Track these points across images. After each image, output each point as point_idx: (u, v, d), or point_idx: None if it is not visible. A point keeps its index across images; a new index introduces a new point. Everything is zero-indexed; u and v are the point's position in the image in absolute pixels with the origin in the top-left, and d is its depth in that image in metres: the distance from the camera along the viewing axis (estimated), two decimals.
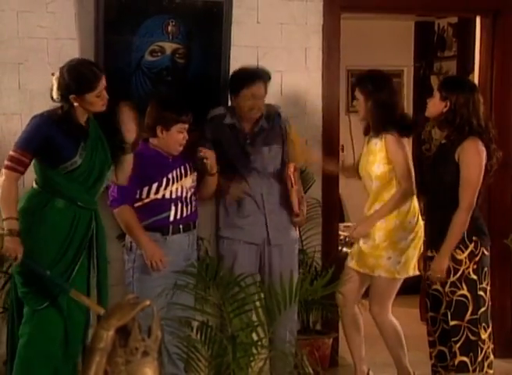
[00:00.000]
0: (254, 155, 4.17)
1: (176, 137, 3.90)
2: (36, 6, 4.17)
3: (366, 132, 4.32)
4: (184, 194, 3.96)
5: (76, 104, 3.57)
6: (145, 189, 3.90)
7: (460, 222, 3.78)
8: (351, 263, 4.27)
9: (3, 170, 3.56)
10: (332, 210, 4.79)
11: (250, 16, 4.53)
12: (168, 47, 4.33)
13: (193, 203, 4.03)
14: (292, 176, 4.14)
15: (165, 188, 3.91)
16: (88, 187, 3.64)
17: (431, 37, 7.50)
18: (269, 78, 4.18)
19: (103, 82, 3.59)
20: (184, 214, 3.96)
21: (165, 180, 3.91)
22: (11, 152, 3.57)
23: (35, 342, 3.59)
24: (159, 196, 3.90)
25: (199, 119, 4.27)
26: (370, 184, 4.23)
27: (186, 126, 3.92)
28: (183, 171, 3.99)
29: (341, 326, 4.52)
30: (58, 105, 3.61)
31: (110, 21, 4.16)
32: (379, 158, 4.18)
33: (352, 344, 4.38)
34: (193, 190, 4.03)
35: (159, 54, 4.32)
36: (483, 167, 3.79)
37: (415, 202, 4.25)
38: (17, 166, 3.54)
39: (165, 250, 3.90)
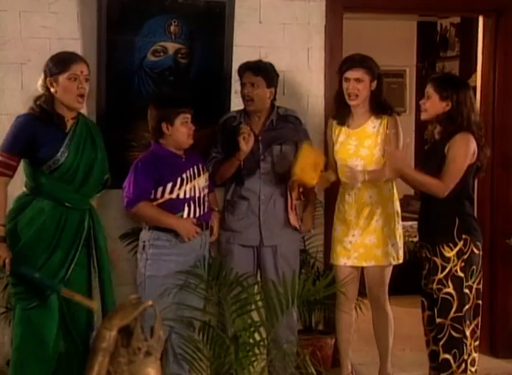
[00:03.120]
0: (264, 153, 4.17)
1: (181, 130, 3.92)
2: (38, 6, 4.18)
3: (340, 118, 4.27)
4: (197, 195, 3.97)
5: (52, 90, 3.53)
6: (160, 189, 3.90)
7: (430, 184, 3.84)
8: (349, 262, 4.26)
9: None
10: (334, 210, 4.78)
11: (253, 16, 4.53)
12: (171, 47, 4.33)
13: (206, 204, 4.03)
14: (292, 194, 4.17)
15: (180, 188, 3.92)
16: (77, 187, 3.60)
17: (433, 37, 7.51)
18: (260, 70, 4.13)
19: (80, 68, 3.56)
20: (197, 214, 3.97)
21: (179, 179, 3.92)
22: None
23: (26, 344, 3.57)
24: (173, 196, 3.91)
25: (201, 118, 4.28)
26: (359, 169, 4.18)
27: (189, 116, 3.94)
28: (195, 171, 3.99)
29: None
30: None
31: (112, 21, 4.16)
32: (379, 142, 4.18)
33: (344, 342, 4.40)
34: (206, 190, 4.04)
35: (162, 54, 4.32)
36: (468, 160, 3.84)
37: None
38: (5, 170, 3.51)
39: (177, 250, 3.91)
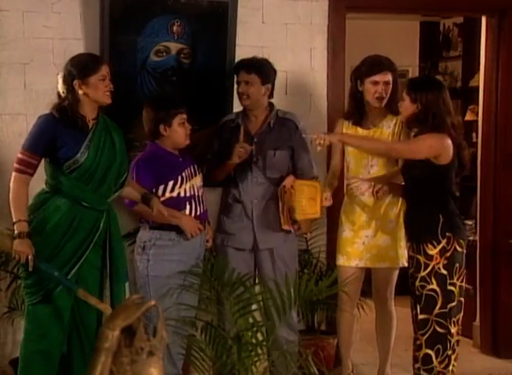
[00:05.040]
0: (257, 156, 4.15)
1: (179, 131, 3.95)
2: (41, 6, 4.18)
3: (354, 118, 4.29)
4: (196, 193, 4.01)
5: (80, 92, 3.59)
6: (161, 187, 3.93)
7: (384, 146, 3.99)
8: (361, 263, 4.25)
9: (13, 173, 3.58)
10: (337, 210, 4.78)
11: (255, 16, 4.53)
12: (174, 47, 4.34)
13: (204, 202, 4.07)
14: (283, 192, 4.13)
15: (180, 186, 3.95)
16: (95, 187, 3.63)
17: (436, 37, 7.49)
18: (254, 68, 4.11)
19: (106, 69, 3.65)
20: (198, 212, 4.00)
21: (179, 178, 3.95)
22: (19, 155, 3.59)
23: (30, 339, 3.62)
24: (175, 194, 3.94)
25: (204, 118, 4.29)
26: (368, 169, 4.21)
27: (185, 116, 3.96)
28: (192, 170, 4.03)
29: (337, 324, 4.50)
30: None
31: (115, 21, 4.17)
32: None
33: (345, 342, 4.41)
34: (201, 190, 4.06)
35: (164, 54, 4.33)
36: (433, 151, 3.81)
37: None
38: (26, 169, 3.57)
39: (179, 249, 3.92)
